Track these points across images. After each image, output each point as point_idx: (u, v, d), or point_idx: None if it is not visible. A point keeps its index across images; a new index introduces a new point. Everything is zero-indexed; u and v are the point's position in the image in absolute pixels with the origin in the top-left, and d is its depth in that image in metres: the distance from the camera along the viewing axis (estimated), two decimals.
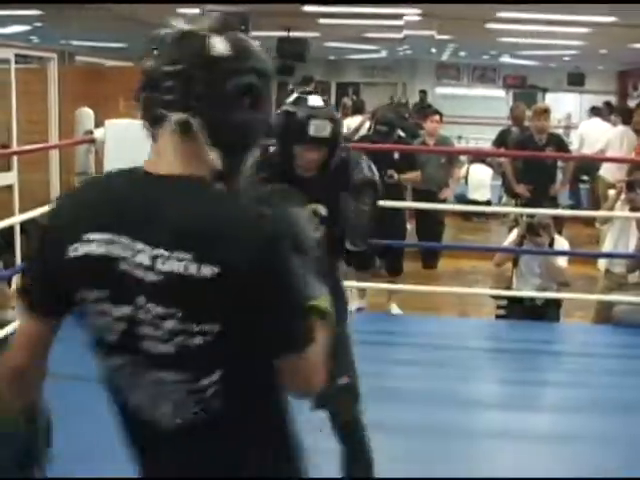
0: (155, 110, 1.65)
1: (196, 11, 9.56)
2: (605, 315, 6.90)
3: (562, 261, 6.83)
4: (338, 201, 3.28)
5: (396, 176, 7.17)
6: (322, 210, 3.18)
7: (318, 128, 3.19)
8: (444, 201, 8.72)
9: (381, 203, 6.00)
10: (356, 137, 11.81)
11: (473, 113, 21.48)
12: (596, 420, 4.56)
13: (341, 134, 3.30)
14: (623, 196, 7.01)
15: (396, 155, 7.26)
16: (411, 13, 10.67)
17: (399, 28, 11.86)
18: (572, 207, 11.97)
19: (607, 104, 16.48)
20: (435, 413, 4.59)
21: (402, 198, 7.57)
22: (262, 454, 1.74)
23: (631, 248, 6.76)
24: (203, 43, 1.60)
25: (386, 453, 3.95)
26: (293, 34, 13.40)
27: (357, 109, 13.39)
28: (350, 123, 12.38)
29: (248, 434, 1.72)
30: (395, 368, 5.53)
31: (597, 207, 9.97)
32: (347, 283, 8.23)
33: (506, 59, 21.74)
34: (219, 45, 1.61)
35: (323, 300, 1.73)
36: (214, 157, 1.64)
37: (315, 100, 3.25)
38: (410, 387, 5.16)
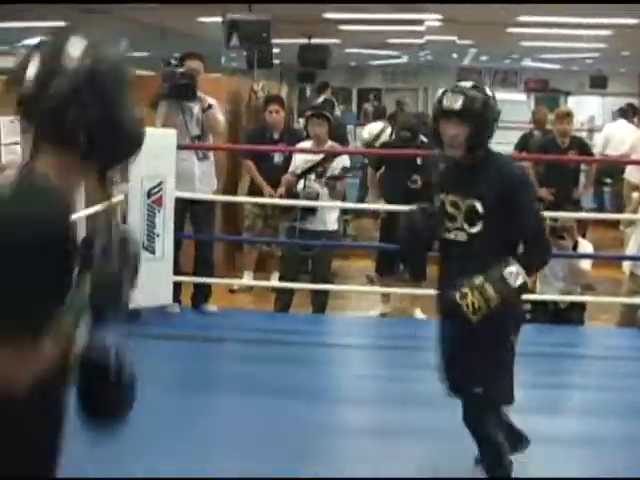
0: None
1: (218, 19, 9.63)
2: (630, 318, 6.88)
3: (586, 264, 6.81)
4: (493, 197, 3.36)
5: (420, 181, 7.17)
6: (479, 206, 3.33)
7: (450, 100, 3.34)
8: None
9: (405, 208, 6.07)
10: (377, 143, 11.87)
11: None
12: (622, 423, 4.55)
13: (483, 112, 3.34)
14: None
15: (419, 160, 7.27)
16: (432, 19, 10.68)
17: (420, 34, 11.88)
18: (596, 210, 11.92)
19: (630, 106, 16.41)
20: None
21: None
22: None
23: None
24: None
25: (420, 457, 4.02)
26: (314, 41, 13.43)
27: (378, 115, 13.41)
28: (371, 129, 12.40)
29: None
30: (422, 372, 5.53)
31: (621, 210, 9.93)
32: (369, 288, 8.34)
33: (528, 63, 21.71)
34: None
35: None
36: None
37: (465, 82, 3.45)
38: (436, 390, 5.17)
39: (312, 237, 6.77)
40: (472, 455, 3.73)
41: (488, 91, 3.45)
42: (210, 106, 6.41)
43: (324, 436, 4.42)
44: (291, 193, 6.81)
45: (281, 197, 7.01)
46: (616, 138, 13.10)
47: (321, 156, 6.81)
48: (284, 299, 6.96)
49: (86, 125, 1.71)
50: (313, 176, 6.74)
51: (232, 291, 8.30)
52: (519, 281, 3.29)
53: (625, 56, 17.38)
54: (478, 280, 3.28)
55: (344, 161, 6.91)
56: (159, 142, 5.98)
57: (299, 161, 6.87)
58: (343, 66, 23.36)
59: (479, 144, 3.39)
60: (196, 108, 6.41)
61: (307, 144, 7.02)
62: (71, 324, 1.73)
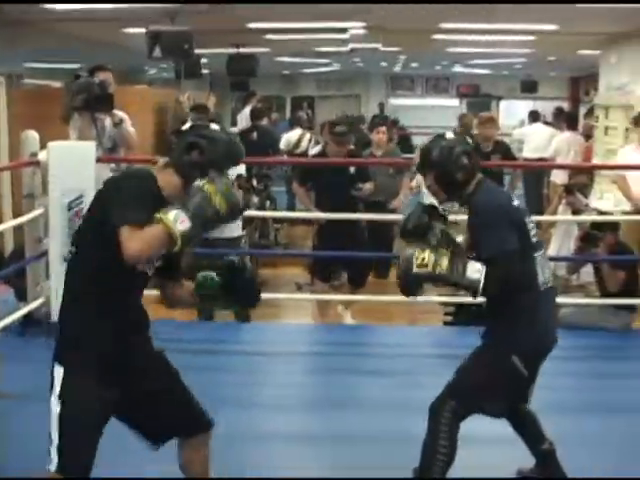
0: None
1: (141, 30, 9.62)
2: None
3: None
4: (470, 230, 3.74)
5: (365, 188, 7.19)
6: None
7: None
8: (394, 211, 8.80)
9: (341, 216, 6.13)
10: (298, 150, 11.92)
11: (428, 123, 21.67)
12: (546, 422, 4.64)
13: (439, 159, 3.64)
14: (564, 200, 7.16)
15: (352, 169, 7.27)
16: (356, 27, 10.77)
17: (345, 42, 11.97)
18: None
19: (559, 110, 16.73)
20: (397, 421, 4.69)
21: (358, 210, 7.60)
22: None
23: (572, 251, 6.89)
24: None
25: (348, 462, 4.07)
26: (244, 50, 13.47)
27: (295, 122, 13.45)
28: (290, 137, 12.47)
29: None
30: (354, 378, 5.60)
31: (542, 211, 10.11)
32: (299, 296, 8.39)
33: (458, 69, 21.96)
34: None
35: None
36: None
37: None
38: (367, 395, 5.25)
39: (215, 245, 6.76)
40: (411, 459, 3.75)
41: (448, 135, 3.72)
42: (121, 120, 6.41)
43: (248, 443, 4.44)
44: None
45: None
46: (533, 141, 13.40)
47: None
48: (207, 308, 6.95)
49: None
50: None
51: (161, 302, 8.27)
52: (473, 276, 3.42)
53: (553, 61, 17.66)
54: (443, 248, 3.50)
55: (240, 169, 6.96)
56: (78, 155, 5.97)
57: None
58: (276, 74, 23.43)
59: (453, 188, 3.64)
60: (107, 121, 6.41)
61: None
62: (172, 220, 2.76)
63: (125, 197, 2.84)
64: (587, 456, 4.29)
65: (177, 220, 2.74)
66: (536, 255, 3.59)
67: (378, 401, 5.12)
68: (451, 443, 3.58)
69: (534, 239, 3.62)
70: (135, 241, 2.75)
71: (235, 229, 6.98)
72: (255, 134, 10.46)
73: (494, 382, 3.58)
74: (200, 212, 2.78)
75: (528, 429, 3.90)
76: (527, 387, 3.69)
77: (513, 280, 3.48)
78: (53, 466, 2.92)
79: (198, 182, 2.83)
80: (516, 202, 3.68)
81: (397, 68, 22.34)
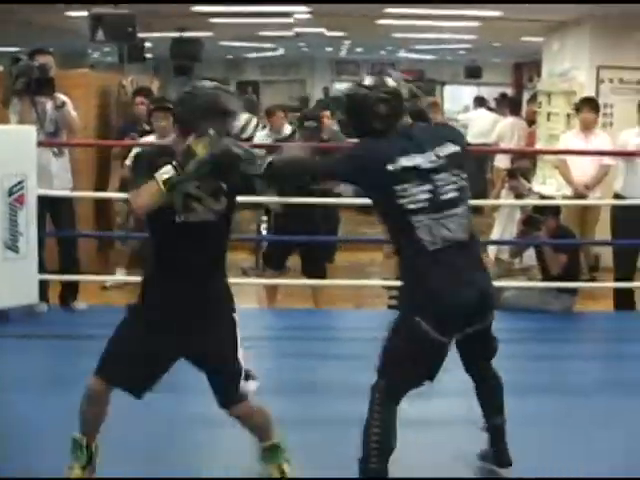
0: None
1: (84, 13, 9.50)
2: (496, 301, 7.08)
3: None
4: None
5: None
6: None
7: None
8: (339, 195, 8.80)
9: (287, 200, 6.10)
10: (244, 135, 11.82)
11: None
12: (465, 404, 4.69)
13: (347, 105, 3.75)
14: (507, 184, 7.24)
15: None
16: (300, 11, 10.75)
17: (290, 26, 11.95)
18: None
19: (503, 95, 16.89)
20: (352, 404, 4.71)
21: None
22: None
23: (515, 234, 6.97)
24: None
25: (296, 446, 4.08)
26: (187, 34, 13.36)
27: (248, 107, 13.41)
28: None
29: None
30: (305, 361, 5.61)
31: (486, 196, 10.21)
32: (245, 280, 8.37)
33: (403, 54, 22.02)
34: None
35: None
36: None
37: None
38: (320, 379, 5.27)
39: None
40: (348, 444, 3.68)
41: (368, 82, 3.70)
42: (63, 103, 6.34)
43: (194, 429, 4.44)
44: None
45: None
46: (477, 126, 13.53)
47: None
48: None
49: None
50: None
51: (105, 288, 8.23)
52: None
53: (497, 47, 17.77)
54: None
55: None
56: (18, 140, 5.89)
57: None
58: (220, 59, 23.29)
59: (353, 131, 3.76)
60: (49, 105, 6.33)
61: (151, 138, 6.99)
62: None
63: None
64: (525, 437, 4.35)
65: (162, 172, 3.21)
66: (417, 218, 3.46)
67: (330, 384, 5.12)
68: (383, 429, 3.51)
69: (417, 204, 3.47)
70: (131, 196, 3.38)
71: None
72: None
73: (408, 349, 3.50)
74: (183, 161, 3.23)
75: (485, 399, 3.96)
76: (444, 349, 3.55)
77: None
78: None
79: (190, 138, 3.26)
80: (412, 161, 3.50)
81: (342, 53, 22.34)
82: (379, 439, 3.51)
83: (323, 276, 7.20)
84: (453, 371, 3.80)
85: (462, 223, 3.54)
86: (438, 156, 3.56)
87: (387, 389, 3.56)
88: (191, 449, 4.24)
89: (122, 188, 7.49)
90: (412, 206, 3.48)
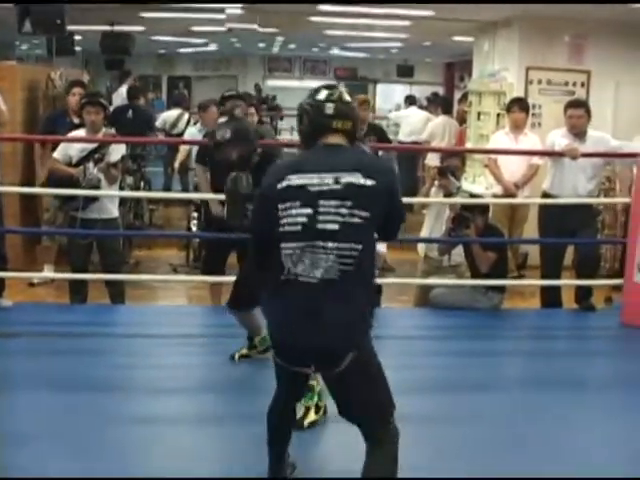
0: None
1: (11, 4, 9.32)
2: (424, 299, 7.14)
3: (381, 247, 6.97)
4: None
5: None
6: None
7: None
8: None
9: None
10: (175, 131, 11.81)
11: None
12: (421, 400, 4.72)
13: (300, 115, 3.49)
14: (437, 182, 7.29)
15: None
16: (233, 7, 10.70)
17: (221, 21, 11.89)
18: None
19: (434, 95, 17.03)
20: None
21: None
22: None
23: (444, 232, 7.02)
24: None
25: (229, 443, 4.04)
26: (117, 28, 13.20)
27: (176, 102, 13.37)
28: (167, 117, 12.36)
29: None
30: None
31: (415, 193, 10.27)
32: (173, 277, 8.28)
33: (336, 51, 22.07)
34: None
35: None
36: None
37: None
38: (245, 377, 5.26)
39: (92, 226, 6.73)
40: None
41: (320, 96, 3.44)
42: None
43: (128, 426, 4.39)
44: (71, 182, 6.66)
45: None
46: (409, 124, 13.63)
47: (96, 144, 6.72)
48: (79, 291, 6.85)
49: None
50: (91, 164, 6.67)
51: (32, 285, 8.10)
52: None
53: (428, 46, 17.88)
54: None
55: (122, 149, 6.87)
56: None
57: (73, 150, 6.75)
58: (152, 54, 23.10)
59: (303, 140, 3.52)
60: None
61: (81, 132, 6.90)
62: None
63: None
64: (456, 434, 4.40)
65: None
66: (286, 244, 3.25)
67: (253, 382, 5.09)
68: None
69: (291, 227, 3.25)
70: None
71: (113, 210, 6.90)
72: (130, 113, 10.30)
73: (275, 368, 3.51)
74: None
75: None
76: (294, 374, 3.42)
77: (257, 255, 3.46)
78: None
79: None
80: (302, 180, 3.25)
81: (275, 49, 22.30)
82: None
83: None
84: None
85: (326, 260, 3.20)
86: (337, 181, 3.24)
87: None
88: (131, 447, 4.20)
89: (50, 182, 7.14)
90: (286, 228, 3.26)
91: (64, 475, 3.66)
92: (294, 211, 3.24)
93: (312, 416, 4.38)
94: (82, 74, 11.16)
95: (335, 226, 3.21)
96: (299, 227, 3.23)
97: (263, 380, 5.04)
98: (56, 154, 6.80)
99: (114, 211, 6.92)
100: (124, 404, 4.66)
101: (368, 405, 3.32)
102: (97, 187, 6.64)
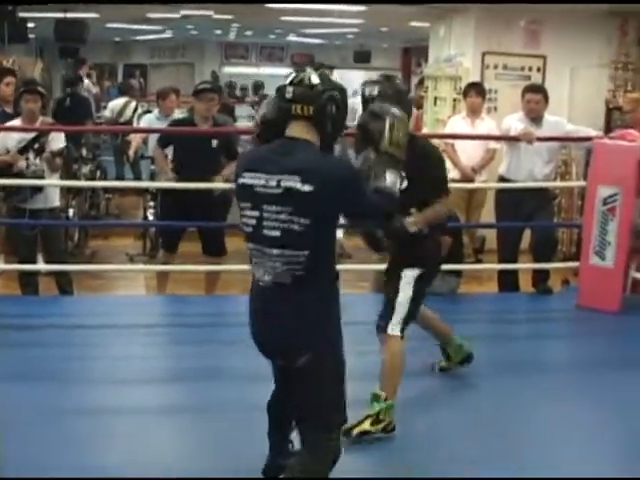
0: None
1: None
2: (382, 284, 7.12)
3: (338, 233, 6.98)
4: None
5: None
6: None
7: None
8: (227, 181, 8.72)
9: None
10: (122, 119, 11.72)
11: (263, 92, 21.65)
12: (374, 387, 4.72)
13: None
14: None
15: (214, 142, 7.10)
16: None
17: (177, 8, 11.79)
18: None
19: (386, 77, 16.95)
20: (236, 390, 4.73)
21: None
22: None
23: None
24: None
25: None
26: (71, 15, 13.01)
27: (122, 91, 13.29)
28: (114, 105, 12.29)
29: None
30: (191, 348, 5.58)
31: None
32: (129, 267, 8.25)
33: (293, 38, 22.01)
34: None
35: None
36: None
37: None
38: (207, 366, 5.21)
39: (39, 216, 6.68)
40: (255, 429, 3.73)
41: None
42: None
43: (77, 417, 4.36)
44: (12, 173, 6.58)
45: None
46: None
47: (34, 133, 6.64)
48: (30, 282, 6.78)
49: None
50: (32, 154, 6.60)
51: None
52: None
53: (385, 32, 17.88)
54: None
55: (61, 137, 6.81)
56: None
57: (11, 140, 6.66)
58: (108, 41, 22.88)
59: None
60: None
61: (17, 122, 6.81)
62: None
63: None
64: (415, 420, 4.41)
65: None
66: (248, 245, 3.22)
67: (230, 370, 5.08)
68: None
69: (247, 228, 3.19)
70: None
71: (56, 199, 6.88)
72: (68, 101, 10.22)
73: None
74: None
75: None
76: (274, 370, 3.46)
77: None
78: None
79: None
80: (252, 180, 3.13)
81: (231, 36, 22.19)
82: None
83: (225, 254, 7.16)
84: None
85: (274, 267, 3.13)
86: (279, 184, 3.09)
87: None
88: (89, 439, 4.17)
89: None
90: (244, 228, 3.22)
91: (24, 468, 3.64)
92: (248, 212, 3.18)
93: (366, 426, 4.16)
94: (36, 62, 11.03)
95: (277, 233, 3.11)
96: (251, 229, 3.19)
97: (227, 369, 5.08)
98: None
99: (57, 200, 6.91)
100: (81, 396, 4.62)
101: (311, 408, 3.28)
102: (42, 177, 6.59)
